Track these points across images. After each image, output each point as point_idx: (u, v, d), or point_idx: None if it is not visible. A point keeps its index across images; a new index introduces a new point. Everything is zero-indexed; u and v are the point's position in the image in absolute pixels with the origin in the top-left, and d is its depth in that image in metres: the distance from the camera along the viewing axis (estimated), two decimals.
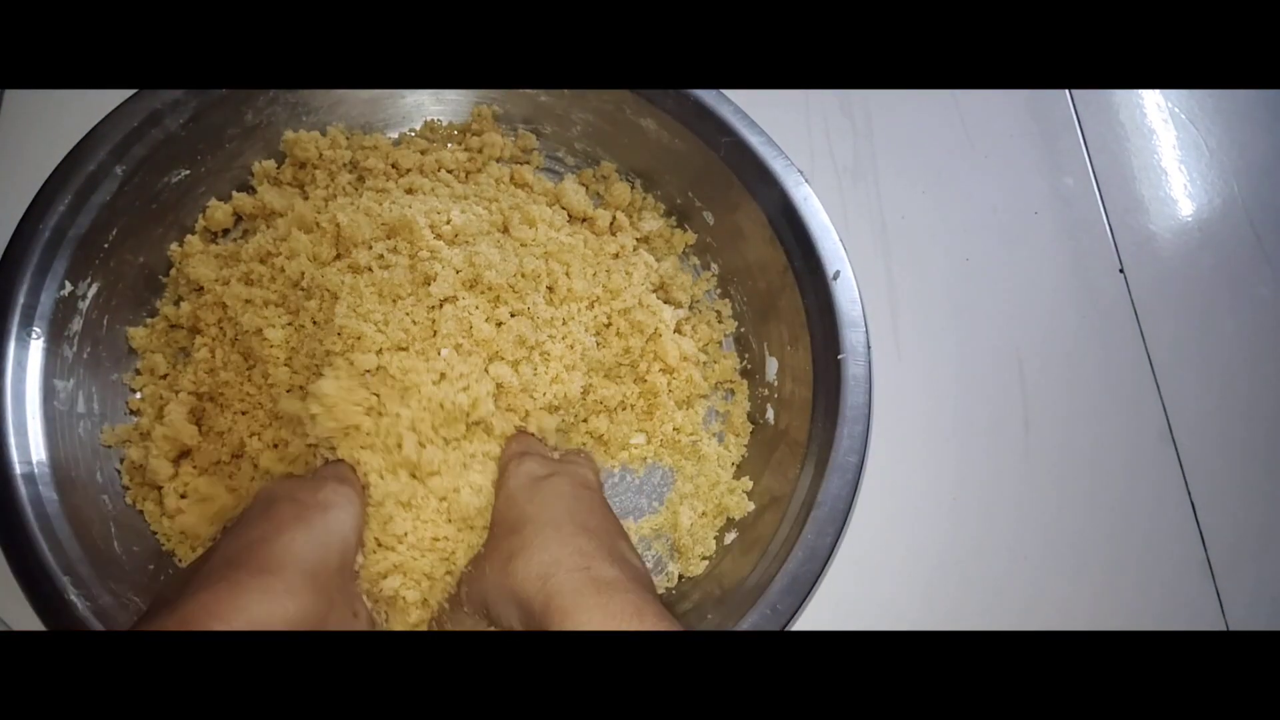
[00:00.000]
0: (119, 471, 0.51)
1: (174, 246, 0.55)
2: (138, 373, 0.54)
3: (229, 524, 0.46)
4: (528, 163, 0.61)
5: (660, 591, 0.52)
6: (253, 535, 0.39)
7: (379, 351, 0.46)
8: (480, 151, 0.60)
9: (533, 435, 0.51)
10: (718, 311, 0.59)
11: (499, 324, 0.50)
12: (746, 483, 0.53)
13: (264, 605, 0.36)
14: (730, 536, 0.52)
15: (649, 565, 0.52)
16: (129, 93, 0.52)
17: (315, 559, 0.40)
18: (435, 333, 0.48)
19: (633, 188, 0.61)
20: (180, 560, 0.49)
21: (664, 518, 0.54)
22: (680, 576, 0.52)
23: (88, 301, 0.51)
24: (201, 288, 0.54)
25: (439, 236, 0.51)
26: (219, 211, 0.56)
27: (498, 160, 0.60)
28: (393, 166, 0.58)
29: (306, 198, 0.56)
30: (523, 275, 0.50)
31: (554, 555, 0.40)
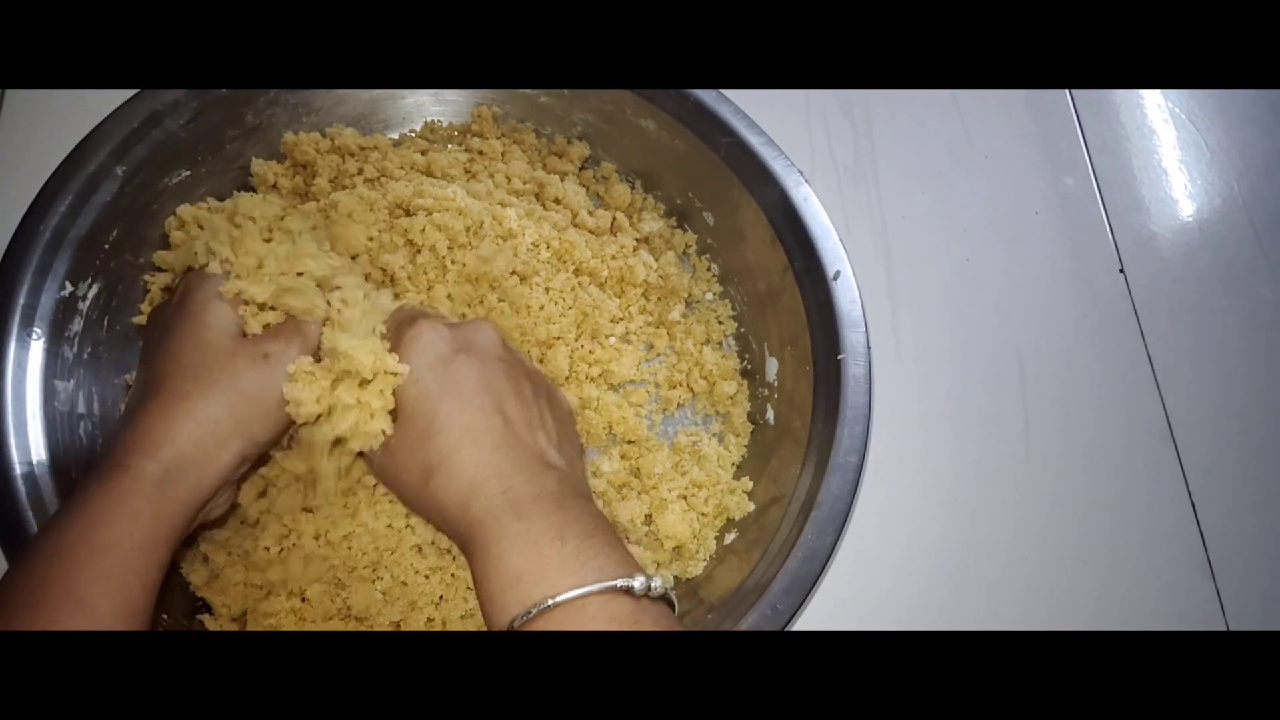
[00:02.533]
0: None
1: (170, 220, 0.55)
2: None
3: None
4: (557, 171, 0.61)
5: None
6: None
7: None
8: (482, 154, 0.60)
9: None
10: (717, 312, 0.59)
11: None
12: (746, 483, 0.53)
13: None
14: (730, 536, 0.52)
15: (649, 567, 0.52)
16: (129, 93, 0.52)
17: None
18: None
19: (633, 188, 0.61)
20: (179, 568, 0.49)
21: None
22: (678, 578, 0.52)
23: (88, 302, 0.51)
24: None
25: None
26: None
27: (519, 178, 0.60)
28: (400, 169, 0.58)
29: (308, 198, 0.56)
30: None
31: (470, 478, 0.39)
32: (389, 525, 0.47)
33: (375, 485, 0.48)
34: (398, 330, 0.45)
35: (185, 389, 0.41)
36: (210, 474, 0.40)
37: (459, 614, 0.47)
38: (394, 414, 0.43)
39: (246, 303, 0.44)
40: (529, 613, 0.35)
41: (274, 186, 0.57)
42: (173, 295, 0.47)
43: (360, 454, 0.45)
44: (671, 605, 0.38)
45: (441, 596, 0.47)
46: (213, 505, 0.43)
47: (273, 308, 0.45)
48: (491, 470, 0.40)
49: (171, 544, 0.39)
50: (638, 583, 0.36)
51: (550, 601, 0.35)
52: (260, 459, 0.47)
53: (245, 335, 0.44)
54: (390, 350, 0.44)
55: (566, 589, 0.35)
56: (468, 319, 0.49)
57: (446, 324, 0.46)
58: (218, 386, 0.41)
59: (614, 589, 0.36)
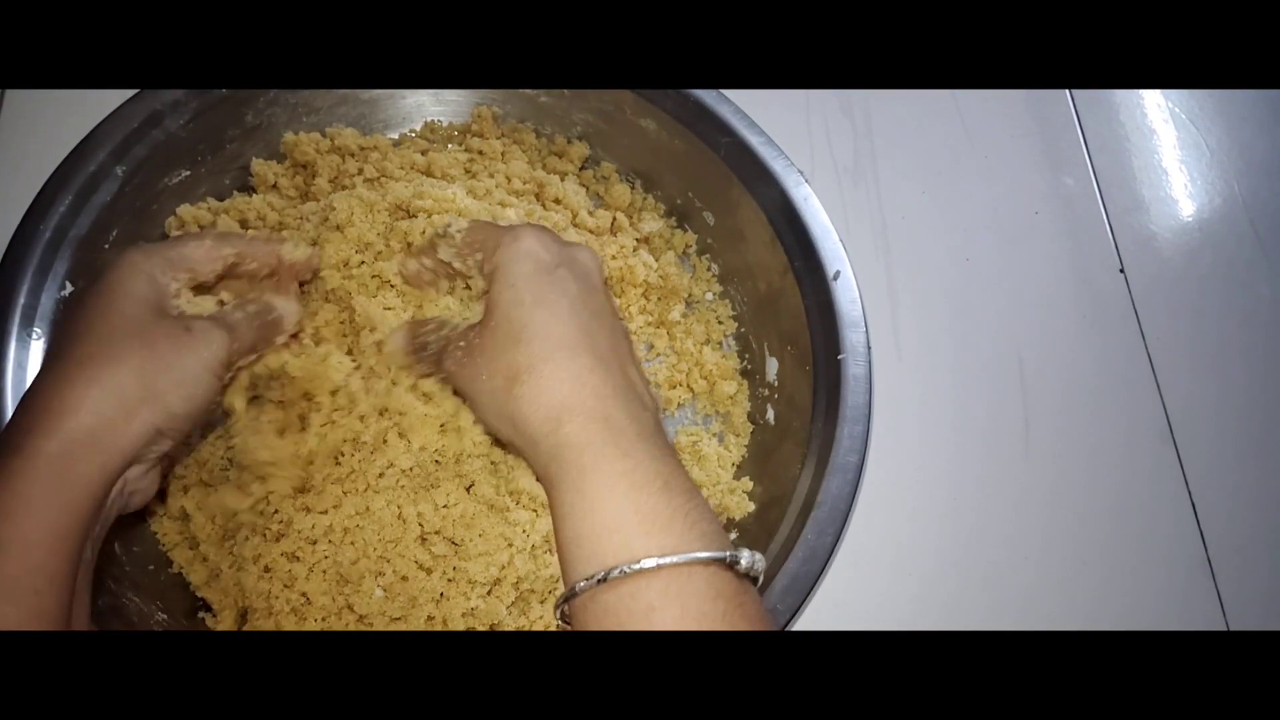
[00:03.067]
0: None
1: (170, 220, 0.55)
2: None
3: None
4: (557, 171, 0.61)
5: None
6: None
7: None
8: (482, 154, 0.60)
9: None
10: (717, 312, 0.59)
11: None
12: (746, 483, 0.53)
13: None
14: (730, 536, 0.52)
15: None
16: (129, 93, 0.52)
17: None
18: None
19: (632, 188, 0.61)
20: (179, 568, 0.49)
21: None
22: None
23: None
24: None
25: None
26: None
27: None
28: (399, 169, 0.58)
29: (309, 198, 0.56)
30: None
31: (565, 393, 0.36)
32: (398, 515, 0.46)
33: (380, 474, 0.47)
34: (495, 234, 0.42)
35: (88, 352, 0.36)
36: (117, 448, 0.35)
37: (460, 611, 0.47)
38: (481, 323, 0.41)
39: (191, 287, 0.42)
40: (626, 568, 0.32)
41: (274, 186, 0.57)
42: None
43: (432, 358, 0.43)
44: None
45: (443, 594, 0.47)
46: (132, 490, 0.38)
47: (221, 301, 0.44)
48: (590, 390, 0.36)
49: (80, 534, 0.34)
50: (745, 558, 0.33)
51: (657, 562, 0.32)
52: (184, 443, 0.44)
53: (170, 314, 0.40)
54: (483, 259, 0.42)
55: (674, 550, 0.32)
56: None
57: (551, 234, 0.43)
58: (127, 349, 0.36)
59: (721, 561, 0.33)
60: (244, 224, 0.54)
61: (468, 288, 0.47)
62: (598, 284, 0.43)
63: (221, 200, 0.56)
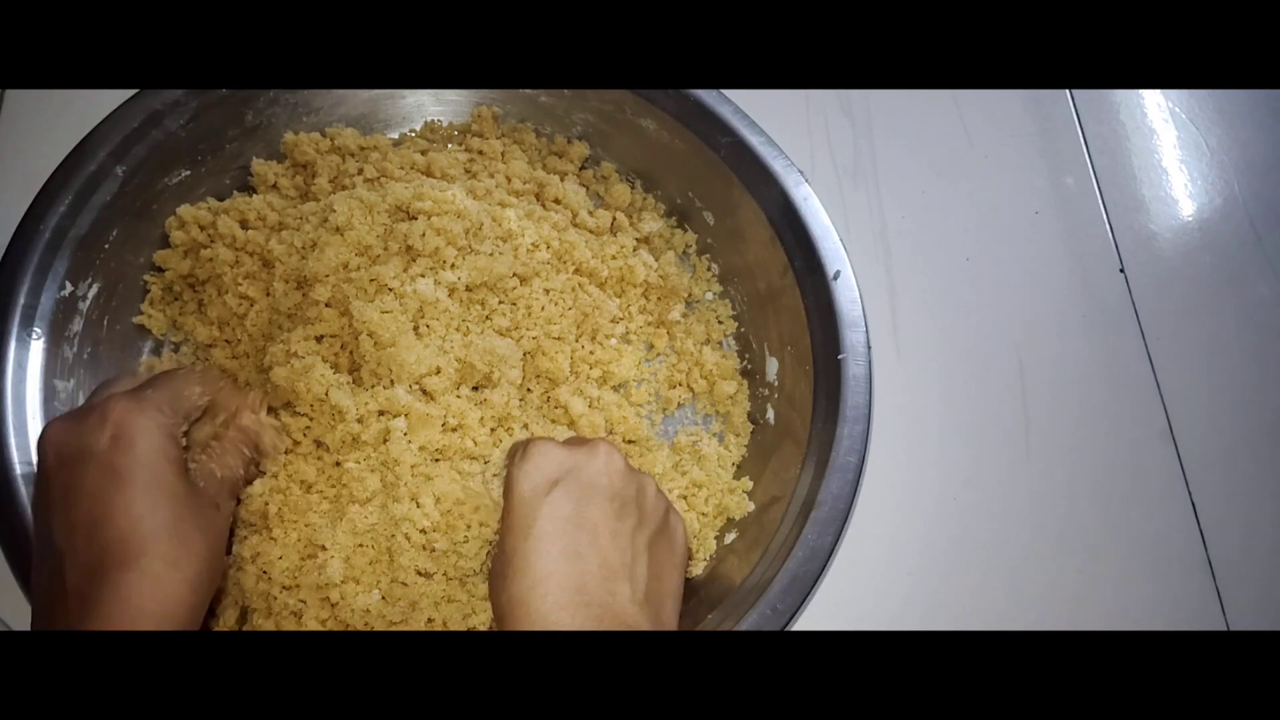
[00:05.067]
0: None
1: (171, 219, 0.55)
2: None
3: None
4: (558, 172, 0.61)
5: None
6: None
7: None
8: (482, 154, 0.60)
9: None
10: (717, 311, 0.59)
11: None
12: (746, 483, 0.53)
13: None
14: (730, 536, 0.52)
15: None
16: (129, 93, 0.52)
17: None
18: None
19: (633, 188, 0.61)
20: None
21: None
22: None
23: (88, 302, 0.51)
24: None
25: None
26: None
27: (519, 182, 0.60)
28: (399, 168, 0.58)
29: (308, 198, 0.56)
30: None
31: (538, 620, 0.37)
32: (400, 515, 0.46)
33: (381, 475, 0.47)
34: (516, 450, 0.44)
35: (173, 555, 0.37)
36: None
37: (461, 614, 0.47)
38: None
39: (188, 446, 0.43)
40: None
41: (274, 186, 0.57)
42: (82, 420, 0.40)
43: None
44: None
45: (445, 596, 0.47)
46: None
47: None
48: (561, 613, 0.37)
49: None
50: None
51: None
52: None
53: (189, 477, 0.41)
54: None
55: None
56: (585, 439, 0.45)
57: (558, 447, 0.43)
58: (195, 542, 0.39)
59: None
60: (244, 224, 0.54)
61: None
62: (606, 485, 0.42)
63: (221, 200, 0.56)
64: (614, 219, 0.59)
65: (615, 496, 0.42)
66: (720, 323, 0.59)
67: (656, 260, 0.58)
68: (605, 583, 0.39)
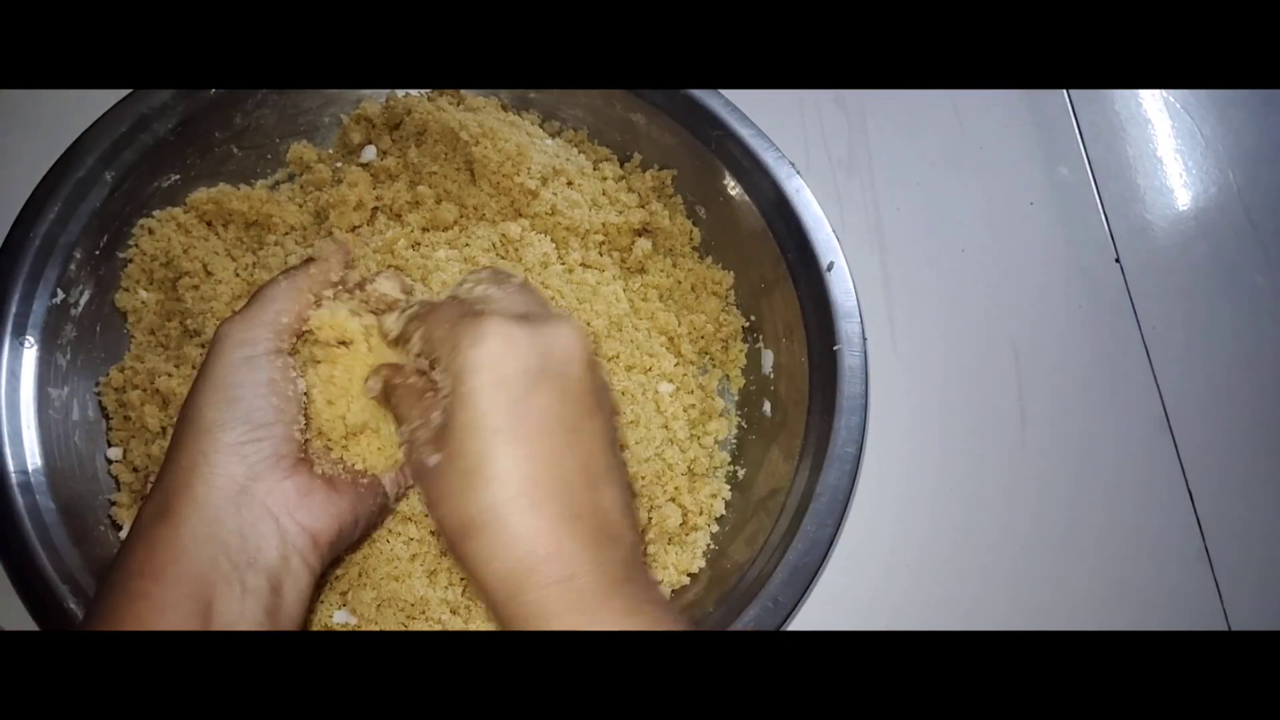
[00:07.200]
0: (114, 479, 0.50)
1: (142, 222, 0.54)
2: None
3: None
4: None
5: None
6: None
7: None
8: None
9: None
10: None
11: None
12: (743, 474, 0.53)
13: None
14: (729, 529, 0.52)
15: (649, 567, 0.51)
16: (117, 96, 0.52)
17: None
18: None
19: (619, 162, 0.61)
20: None
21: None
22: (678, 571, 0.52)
23: (80, 309, 0.51)
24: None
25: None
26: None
27: None
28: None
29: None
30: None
31: (523, 555, 0.32)
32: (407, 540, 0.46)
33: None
34: (453, 331, 0.35)
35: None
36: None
37: (461, 622, 0.47)
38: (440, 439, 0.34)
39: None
40: None
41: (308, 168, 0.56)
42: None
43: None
44: None
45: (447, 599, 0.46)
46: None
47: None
48: (553, 548, 0.32)
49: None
50: None
51: None
52: None
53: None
54: (442, 359, 0.35)
55: None
56: (539, 311, 0.37)
57: (520, 327, 0.34)
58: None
59: None
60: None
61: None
62: (581, 372, 0.35)
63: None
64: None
65: (589, 384, 0.35)
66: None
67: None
68: (590, 490, 0.34)
